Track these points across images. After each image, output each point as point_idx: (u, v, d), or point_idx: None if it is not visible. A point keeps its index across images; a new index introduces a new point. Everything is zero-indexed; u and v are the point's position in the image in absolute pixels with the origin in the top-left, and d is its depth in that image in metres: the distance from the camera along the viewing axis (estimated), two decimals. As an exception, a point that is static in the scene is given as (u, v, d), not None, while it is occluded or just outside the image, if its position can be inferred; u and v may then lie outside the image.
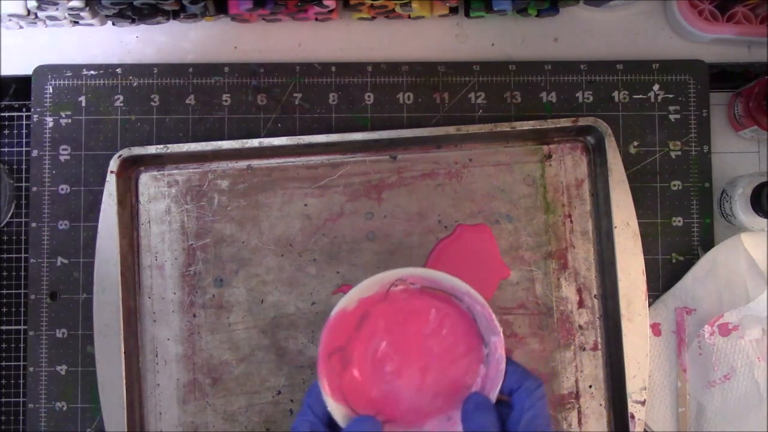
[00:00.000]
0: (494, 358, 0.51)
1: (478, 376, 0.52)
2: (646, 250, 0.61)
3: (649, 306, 0.60)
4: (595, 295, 0.62)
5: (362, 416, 0.50)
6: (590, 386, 0.61)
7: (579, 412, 0.61)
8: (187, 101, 0.64)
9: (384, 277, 0.52)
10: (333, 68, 0.64)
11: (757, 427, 0.58)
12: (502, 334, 0.51)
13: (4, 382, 0.62)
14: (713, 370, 0.59)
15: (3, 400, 0.62)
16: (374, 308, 0.54)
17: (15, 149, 0.64)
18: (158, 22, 0.63)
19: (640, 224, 0.60)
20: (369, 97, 0.64)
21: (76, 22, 0.63)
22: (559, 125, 0.61)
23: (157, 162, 0.62)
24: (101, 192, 0.60)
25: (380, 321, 0.54)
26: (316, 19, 0.64)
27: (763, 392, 0.58)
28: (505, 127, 0.61)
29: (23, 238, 0.63)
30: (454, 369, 0.53)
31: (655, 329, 0.61)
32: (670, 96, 0.64)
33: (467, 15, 0.64)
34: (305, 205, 0.62)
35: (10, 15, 0.60)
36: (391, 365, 0.53)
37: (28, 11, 0.60)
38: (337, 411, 0.50)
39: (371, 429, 0.49)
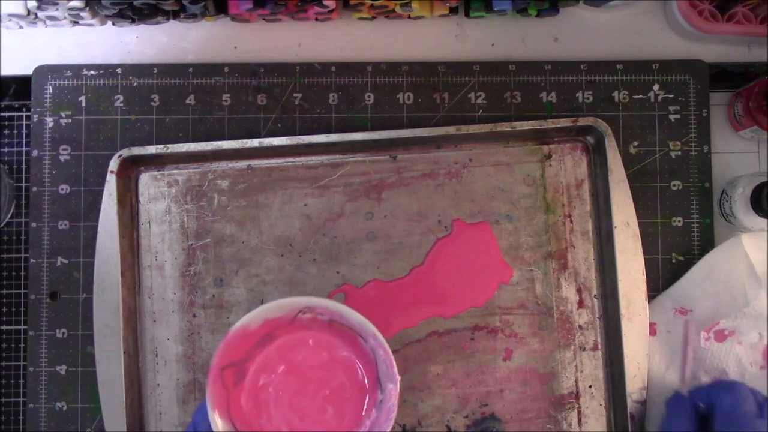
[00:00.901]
0: (386, 405, 0.51)
1: (368, 419, 0.53)
2: (646, 250, 0.61)
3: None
4: (595, 295, 0.62)
5: None
6: (590, 386, 0.61)
7: (579, 412, 0.61)
8: (187, 101, 0.64)
9: (292, 303, 0.52)
10: (333, 68, 0.64)
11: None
12: (398, 384, 0.51)
13: (4, 382, 0.62)
14: (706, 375, 0.59)
15: (3, 400, 0.62)
16: (277, 331, 0.54)
17: (15, 149, 0.64)
18: (158, 22, 0.63)
19: (640, 224, 0.60)
20: (369, 97, 0.64)
21: (76, 22, 0.63)
22: (559, 125, 0.61)
23: (157, 162, 0.62)
24: (101, 192, 0.61)
25: (279, 346, 0.54)
26: (316, 19, 0.64)
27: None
28: (505, 127, 0.61)
29: (23, 238, 0.63)
30: (341, 406, 0.53)
31: (651, 329, 0.60)
32: (670, 96, 0.64)
33: (467, 15, 0.64)
34: (305, 205, 0.62)
35: (10, 15, 0.60)
36: (278, 391, 0.53)
37: (28, 11, 0.60)
38: (219, 428, 0.49)
39: None
